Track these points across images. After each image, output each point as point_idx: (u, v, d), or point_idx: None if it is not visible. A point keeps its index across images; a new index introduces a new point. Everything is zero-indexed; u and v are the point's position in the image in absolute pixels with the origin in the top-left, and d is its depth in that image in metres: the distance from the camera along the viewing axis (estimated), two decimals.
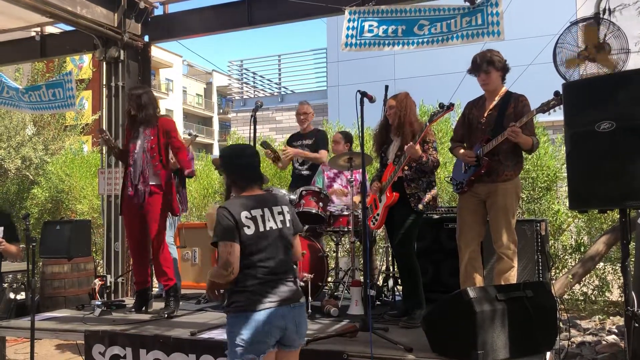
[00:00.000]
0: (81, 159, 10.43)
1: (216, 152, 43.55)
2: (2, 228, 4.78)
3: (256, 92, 17.42)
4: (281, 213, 2.78)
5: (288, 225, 2.79)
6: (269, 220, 2.72)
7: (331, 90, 15.00)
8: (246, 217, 2.68)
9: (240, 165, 2.86)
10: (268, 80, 17.39)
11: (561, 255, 6.88)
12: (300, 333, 2.76)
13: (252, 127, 4.72)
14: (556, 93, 3.76)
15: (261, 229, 2.70)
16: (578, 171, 3.12)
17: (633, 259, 3.92)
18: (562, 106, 3.37)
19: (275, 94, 16.92)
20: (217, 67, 31.46)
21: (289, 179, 6.34)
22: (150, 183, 4.81)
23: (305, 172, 5.77)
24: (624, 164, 2.91)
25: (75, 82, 7.64)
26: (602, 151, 2.98)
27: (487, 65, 4.06)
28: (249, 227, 2.67)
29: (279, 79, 16.91)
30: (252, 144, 4.60)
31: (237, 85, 17.75)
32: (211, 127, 47.56)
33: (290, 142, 6.00)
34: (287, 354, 2.77)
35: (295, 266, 2.97)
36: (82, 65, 19.31)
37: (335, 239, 5.37)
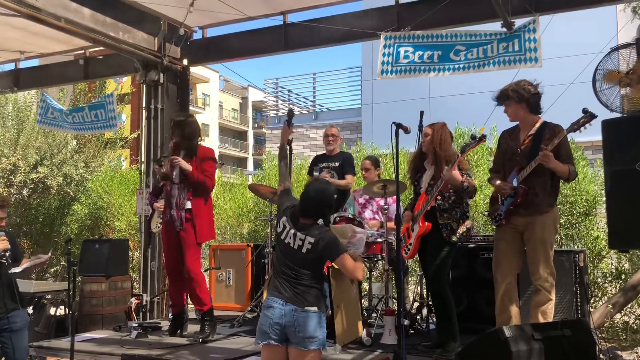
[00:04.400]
0: (120, 177, 10.68)
1: (250, 166, 43.98)
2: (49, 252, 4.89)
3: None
4: (302, 240, 3.25)
5: (304, 251, 3.24)
6: (290, 238, 3.28)
7: (365, 108, 15.01)
8: (282, 222, 3.38)
9: (302, 200, 3.37)
10: (303, 98, 17.52)
11: (601, 283, 6.69)
12: (303, 335, 3.13)
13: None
14: (584, 110, 3.76)
15: (282, 237, 3.34)
16: (618, 211, 3.07)
17: None
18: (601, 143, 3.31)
19: (310, 111, 17.03)
20: (253, 83, 31.84)
21: None
22: (186, 207, 4.91)
23: None
24: None
25: (116, 103, 7.86)
26: None
27: (504, 99, 4.07)
28: (279, 228, 3.38)
29: (314, 96, 17.03)
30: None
31: (272, 102, 17.93)
32: (246, 141, 48.12)
33: (315, 162, 6.03)
34: (298, 353, 3.16)
35: (314, 283, 3.27)
36: (121, 81, 19.80)
37: (368, 266, 5.36)
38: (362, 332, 4.65)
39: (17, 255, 4.71)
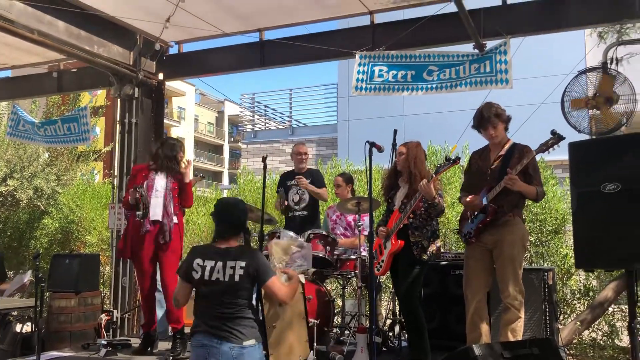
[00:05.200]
0: (92, 190, 10.53)
1: (226, 180, 43.77)
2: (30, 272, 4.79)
3: (267, 125, 17.59)
4: (233, 267, 3.09)
5: (237, 279, 3.08)
6: (217, 272, 3.09)
7: (341, 124, 15.13)
8: (197, 264, 3.15)
9: (216, 217, 3.26)
10: (280, 113, 17.58)
11: (569, 300, 6.80)
12: None
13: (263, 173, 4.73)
14: (553, 132, 3.85)
15: (206, 277, 3.11)
16: (584, 231, 3.14)
17: None
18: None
19: (286, 126, 17.09)
20: (229, 97, 31.85)
21: None
22: (175, 221, 4.89)
23: (300, 214, 5.77)
24: (630, 226, 2.93)
25: (90, 116, 7.78)
26: (608, 212, 3.00)
27: (495, 120, 4.12)
28: (197, 272, 3.14)
29: (290, 112, 17.09)
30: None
31: (249, 117, 17.95)
32: (222, 155, 47.91)
33: (284, 180, 6.00)
34: None
35: (250, 313, 3.17)
36: (96, 93, 19.58)
37: (342, 283, 5.37)
38: (310, 354, 4.38)
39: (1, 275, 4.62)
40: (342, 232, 5.70)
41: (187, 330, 5.12)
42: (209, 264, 3.12)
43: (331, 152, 14.57)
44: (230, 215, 3.23)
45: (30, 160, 10.64)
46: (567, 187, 7.37)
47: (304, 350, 4.33)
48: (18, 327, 6.51)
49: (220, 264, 3.10)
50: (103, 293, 7.64)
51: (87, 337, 6.01)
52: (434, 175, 4.16)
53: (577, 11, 5.40)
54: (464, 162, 5.93)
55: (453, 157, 4.05)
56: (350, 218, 5.62)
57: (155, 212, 4.86)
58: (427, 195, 4.16)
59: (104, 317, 6.28)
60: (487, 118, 4.13)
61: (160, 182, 4.92)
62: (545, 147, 3.87)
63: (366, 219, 5.21)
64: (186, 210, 6.25)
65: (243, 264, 3.10)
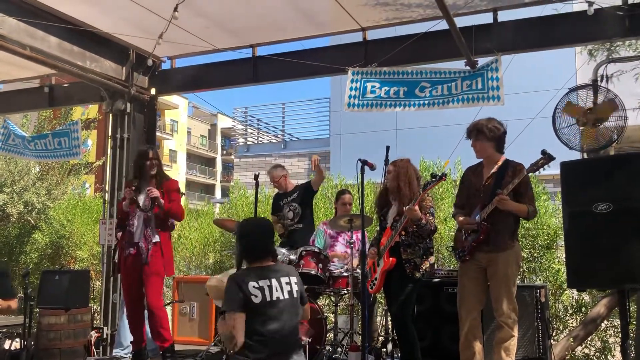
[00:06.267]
0: (83, 205, 10.45)
1: (218, 193, 43.67)
2: None
3: (260, 138, 17.60)
4: (289, 284, 2.90)
5: (295, 296, 2.90)
6: (276, 290, 2.85)
7: (334, 138, 15.18)
8: (253, 287, 2.82)
9: (254, 239, 3.03)
10: (273, 127, 17.61)
11: (562, 316, 6.79)
12: None
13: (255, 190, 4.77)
14: (543, 152, 3.86)
15: (268, 298, 2.82)
16: (576, 250, 3.15)
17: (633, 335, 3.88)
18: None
19: (279, 140, 17.10)
20: (222, 110, 31.90)
21: None
22: (154, 240, 4.85)
23: (297, 226, 5.77)
24: (621, 246, 2.94)
25: (81, 130, 7.75)
26: (599, 232, 3.01)
27: (476, 134, 4.15)
28: (256, 296, 2.81)
29: (283, 125, 17.12)
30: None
31: (241, 130, 17.96)
32: (214, 167, 47.86)
33: (277, 202, 6.07)
34: None
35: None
36: (88, 106, 19.51)
37: (334, 300, 5.34)
38: None
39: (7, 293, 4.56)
40: (343, 251, 5.67)
41: (177, 347, 5.11)
42: (264, 283, 2.84)
43: (323, 166, 14.55)
44: (268, 235, 3.11)
45: (20, 175, 10.57)
46: (558, 202, 7.38)
47: None
48: (7, 344, 6.42)
49: (274, 281, 2.87)
50: (93, 309, 7.56)
51: (77, 355, 5.94)
52: (421, 192, 4.16)
53: (568, 29, 5.44)
54: (455, 177, 5.93)
55: (439, 174, 4.07)
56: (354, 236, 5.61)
57: (136, 234, 4.88)
58: (412, 218, 4.16)
59: (94, 334, 6.22)
60: (470, 132, 4.18)
61: (140, 201, 4.90)
62: (535, 168, 3.88)
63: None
64: (178, 224, 6.23)
65: (295, 279, 2.93)
